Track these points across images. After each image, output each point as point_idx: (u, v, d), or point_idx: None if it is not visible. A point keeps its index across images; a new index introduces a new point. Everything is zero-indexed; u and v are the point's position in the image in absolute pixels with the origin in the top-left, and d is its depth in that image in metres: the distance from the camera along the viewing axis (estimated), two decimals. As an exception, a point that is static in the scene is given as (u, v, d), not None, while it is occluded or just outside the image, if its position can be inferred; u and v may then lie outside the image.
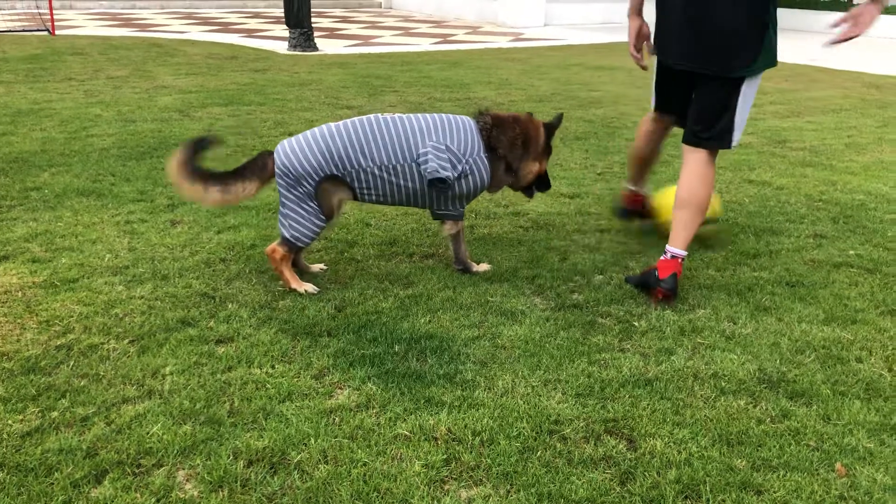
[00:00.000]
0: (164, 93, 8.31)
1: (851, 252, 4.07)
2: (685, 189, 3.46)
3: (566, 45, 14.21)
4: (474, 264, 3.75)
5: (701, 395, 2.71)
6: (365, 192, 3.44)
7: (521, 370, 2.85)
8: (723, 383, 2.79)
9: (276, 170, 3.34)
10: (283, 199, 3.37)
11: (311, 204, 3.35)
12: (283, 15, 12.78)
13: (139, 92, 8.34)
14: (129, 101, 7.90)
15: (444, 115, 3.53)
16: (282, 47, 12.60)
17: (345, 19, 18.47)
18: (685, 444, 2.43)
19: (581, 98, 8.60)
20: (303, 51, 12.38)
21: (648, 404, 2.65)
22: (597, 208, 4.73)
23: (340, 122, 3.43)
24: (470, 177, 3.45)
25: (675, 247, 3.44)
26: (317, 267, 3.75)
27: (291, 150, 3.34)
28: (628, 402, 2.66)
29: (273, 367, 2.82)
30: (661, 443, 2.43)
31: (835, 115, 7.93)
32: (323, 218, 3.40)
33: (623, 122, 7.26)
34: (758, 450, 2.41)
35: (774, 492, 2.22)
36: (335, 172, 3.34)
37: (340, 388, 2.70)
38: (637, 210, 4.25)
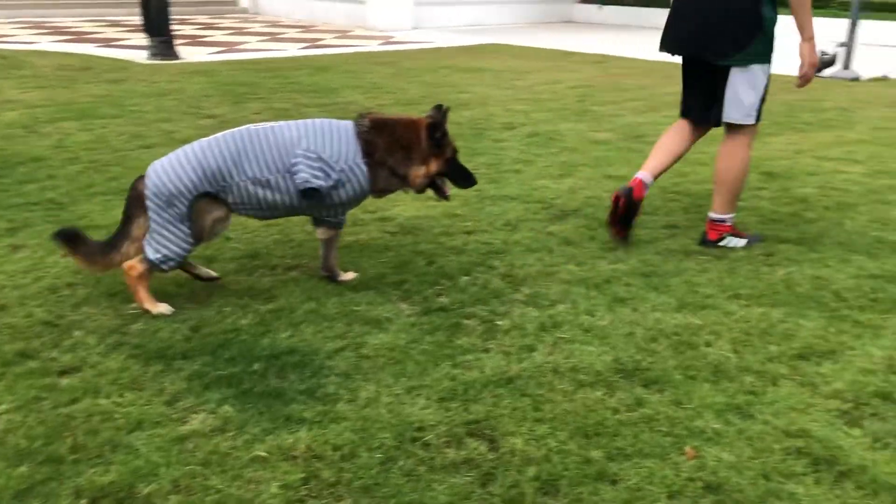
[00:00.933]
0: (7, 108, 7.79)
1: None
2: (715, 165, 4.24)
3: (436, 48, 14.30)
4: (341, 273, 3.68)
5: (560, 390, 2.77)
6: (241, 207, 3.35)
7: (385, 379, 2.82)
8: (581, 376, 2.86)
9: (147, 191, 3.19)
10: (153, 220, 3.20)
11: (183, 226, 3.21)
12: (141, 23, 12.26)
13: (-20, 108, 7.79)
14: (-32, 117, 7.35)
15: (320, 120, 3.44)
16: (141, 56, 12.07)
17: (209, 26, 17.92)
18: (544, 439, 2.47)
19: (450, 100, 8.66)
20: (164, 59, 11.91)
21: (510, 403, 2.67)
22: (463, 210, 4.76)
23: (211, 137, 3.32)
24: (348, 185, 3.36)
25: (715, 212, 4.17)
26: (207, 271, 3.68)
27: (163, 170, 3.21)
28: (490, 402, 2.68)
29: (122, 395, 2.67)
30: (521, 441, 2.46)
31: (688, 108, 8.31)
32: (192, 241, 3.27)
33: (490, 124, 7.36)
34: (613, 440, 2.48)
35: (629, 480, 2.29)
36: (209, 189, 3.23)
37: (195, 413, 2.59)
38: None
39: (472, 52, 13.56)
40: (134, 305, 3.34)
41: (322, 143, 3.34)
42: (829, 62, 10.78)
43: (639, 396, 2.72)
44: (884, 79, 10.68)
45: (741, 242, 4.19)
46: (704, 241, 4.19)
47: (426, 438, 2.47)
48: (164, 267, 3.28)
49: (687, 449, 2.43)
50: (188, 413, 2.59)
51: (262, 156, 3.27)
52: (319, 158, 3.30)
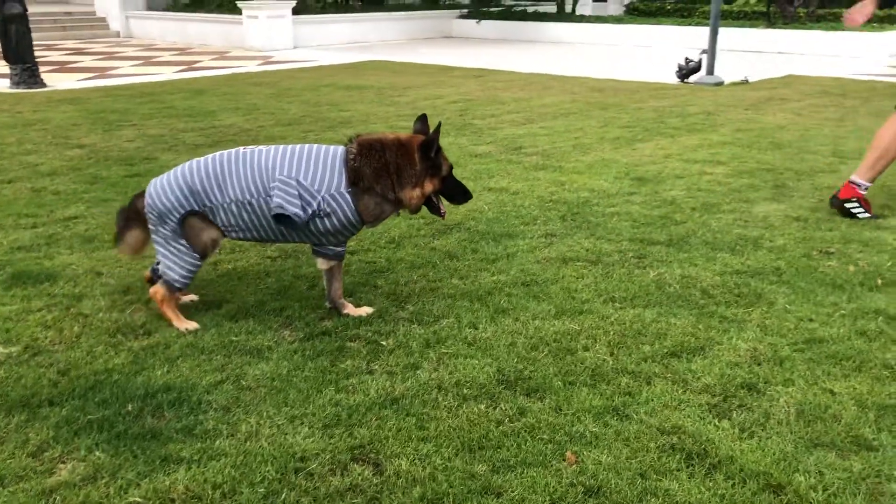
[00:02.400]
0: None
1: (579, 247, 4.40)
2: (877, 134, 4.83)
3: (316, 67, 14.21)
4: (348, 305, 3.56)
5: (445, 406, 2.78)
6: (229, 229, 3.34)
7: (266, 410, 2.76)
8: (465, 390, 2.88)
9: (145, 208, 3.32)
10: (154, 238, 3.35)
11: (180, 242, 3.30)
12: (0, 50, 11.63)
13: None
14: None
15: (309, 146, 3.35)
16: (3, 85, 11.46)
17: (78, 51, 17.19)
18: (430, 458, 2.47)
19: (331, 119, 8.62)
20: (28, 88, 11.35)
21: (395, 424, 2.66)
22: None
23: (204, 157, 3.36)
24: (332, 215, 3.25)
25: (857, 175, 4.80)
26: (187, 297, 3.67)
27: (155, 188, 3.31)
28: (375, 425, 2.66)
29: (-19, 451, 2.51)
30: (406, 462, 2.45)
31: (564, 119, 8.58)
32: (196, 256, 3.34)
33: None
34: (497, 451, 2.51)
35: (512, 491, 2.32)
36: (195, 208, 3.27)
37: (63, 463, 2.46)
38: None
39: (354, 70, 13.55)
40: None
41: (305, 169, 3.25)
42: (695, 69, 11.35)
43: (521, 406, 2.77)
44: (744, 82, 11.33)
45: (864, 214, 4.73)
46: (833, 199, 4.83)
47: (310, 468, 2.43)
48: (177, 284, 3.35)
49: (567, 454, 2.49)
50: (55, 463, 2.45)
51: (245, 178, 3.26)
52: (299, 185, 3.22)
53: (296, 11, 17.91)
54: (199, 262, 3.38)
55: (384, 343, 3.27)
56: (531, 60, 14.55)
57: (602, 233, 4.62)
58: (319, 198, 3.26)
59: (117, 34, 20.96)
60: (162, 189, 3.30)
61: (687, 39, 16.36)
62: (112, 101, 10.05)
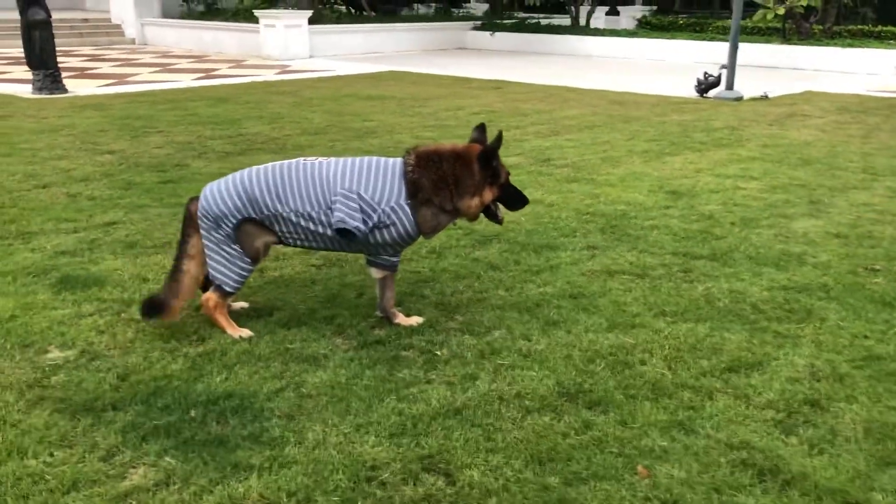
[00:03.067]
0: None
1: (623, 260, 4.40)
2: None
3: (335, 76, 14.26)
4: (399, 314, 3.55)
5: (509, 417, 2.78)
6: (288, 236, 3.38)
7: (330, 418, 2.76)
8: (527, 402, 2.88)
9: (199, 212, 3.32)
10: (206, 243, 3.33)
11: (233, 247, 3.31)
12: (23, 54, 11.68)
13: None
14: None
15: (368, 158, 3.38)
16: (26, 91, 11.51)
17: (95, 58, 17.27)
18: (501, 469, 2.47)
19: (356, 129, 8.65)
20: (50, 93, 11.39)
21: (461, 434, 2.66)
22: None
23: (263, 166, 3.40)
24: (391, 227, 3.27)
25: None
26: (237, 304, 3.67)
27: (212, 192, 3.32)
28: (441, 435, 2.66)
29: (52, 454, 2.51)
30: (477, 472, 2.45)
31: (589, 131, 8.59)
32: (248, 261, 3.36)
33: (400, 152, 7.35)
34: (567, 464, 2.50)
35: (588, 504, 2.31)
36: (253, 216, 3.30)
37: (134, 468, 2.46)
38: None
39: (372, 80, 13.59)
40: (51, 356, 3.16)
41: (366, 182, 3.28)
42: (714, 83, 11.38)
43: (586, 419, 2.76)
44: (764, 98, 11.35)
45: None
46: None
47: (382, 477, 2.43)
48: (228, 288, 3.35)
49: (639, 468, 2.48)
50: (127, 468, 2.45)
51: (307, 190, 3.29)
52: (360, 198, 3.25)
53: (311, 21, 17.99)
54: (250, 267, 3.39)
55: (439, 353, 3.26)
56: (547, 73, 14.58)
57: (644, 246, 4.62)
58: (380, 210, 3.27)
59: (132, 41, 21.06)
60: (219, 193, 3.32)
61: (701, 54, 16.41)
62: (135, 107, 10.09)
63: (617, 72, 15.25)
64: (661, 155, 7.30)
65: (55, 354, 3.19)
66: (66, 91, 11.58)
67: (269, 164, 3.42)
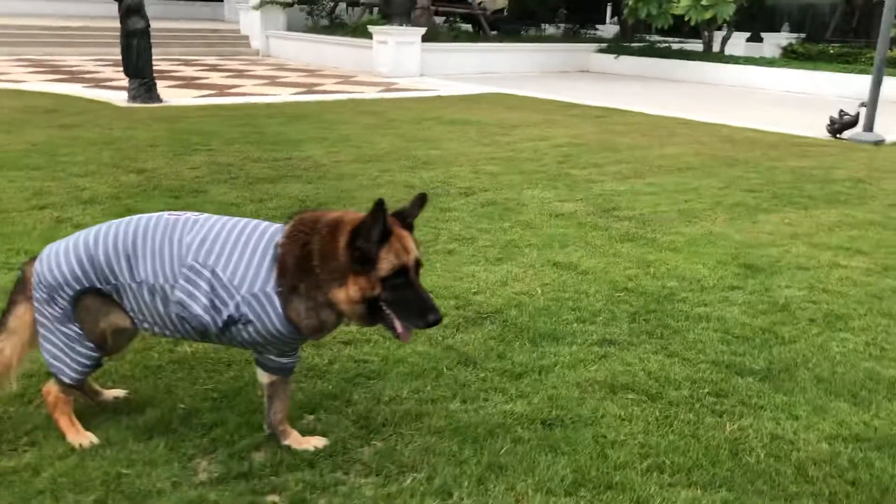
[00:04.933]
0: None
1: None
2: None
3: (433, 97, 13.55)
4: (294, 433, 2.67)
5: None
6: (138, 317, 2.54)
7: None
8: None
9: (33, 280, 2.56)
10: (39, 318, 2.57)
11: (71, 326, 2.51)
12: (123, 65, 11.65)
13: None
14: None
15: (248, 221, 2.54)
16: (120, 98, 11.47)
17: (214, 67, 17.42)
18: None
19: (415, 158, 7.83)
20: (143, 102, 11.28)
21: None
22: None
23: (116, 221, 2.58)
24: (255, 323, 2.41)
25: None
26: (112, 393, 2.93)
27: (48, 255, 2.55)
28: None
29: None
30: None
31: (679, 175, 7.37)
32: (90, 346, 2.56)
33: (446, 188, 6.47)
34: None
35: None
36: (96, 285, 2.50)
37: None
38: None
39: (469, 103, 12.78)
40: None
41: (227, 256, 2.42)
42: (851, 123, 9.78)
43: None
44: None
45: None
46: None
47: None
48: (66, 379, 2.57)
49: None
50: None
51: (160, 255, 2.46)
52: (214, 277, 2.40)
53: (426, 39, 17.43)
54: (94, 354, 2.58)
55: (313, 505, 2.33)
56: (665, 101, 13.25)
57: (678, 346, 3.50)
58: (238, 298, 2.39)
59: (257, 52, 21.30)
60: (56, 257, 2.54)
61: (847, 88, 14.53)
62: (207, 121, 9.72)
63: (742, 104, 13.70)
64: (753, 211, 6.02)
65: None
66: (158, 101, 11.44)
67: (127, 219, 2.61)
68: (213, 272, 2.40)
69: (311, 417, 2.85)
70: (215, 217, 2.58)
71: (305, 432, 2.72)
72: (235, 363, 3.23)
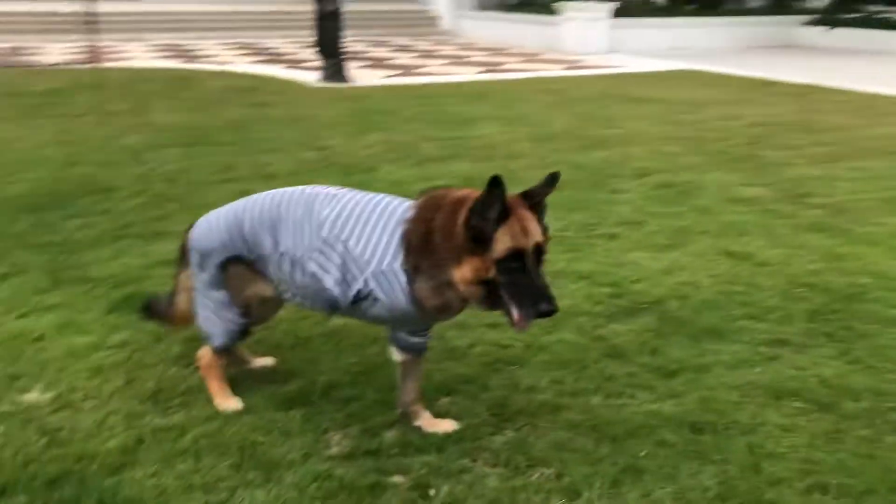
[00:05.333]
0: (141, 130, 7.80)
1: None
2: None
3: (618, 74, 13.08)
4: (425, 415, 2.63)
5: None
6: (281, 287, 2.61)
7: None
8: None
9: (190, 244, 2.71)
10: (195, 283, 2.71)
11: (220, 292, 2.64)
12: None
13: (115, 130, 7.87)
14: (94, 140, 7.43)
15: (379, 197, 2.51)
16: (314, 79, 12.03)
17: (404, 48, 17.86)
18: None
19: (589, 138, 7.57)
20: (332, 82, 11.77)
21: None
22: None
23: (262, 194, 2.67)
24: (384, 298, 2.36)
25: None
26: (261, 361, 3.06)
27: (203, 224, 2.71)
28: None
29: None
30: None
31: (889, 159, 6.59)
32: (237, 311, 2.65)
33: (619, 170, 6.20)
34: None
35: None
36: (241, 254, 2.59)
37: None
38: None
39: (657, 80, 12.21)
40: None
41: (360, 230, 2.40)
42: None
43: None
44: None
45: None
46: None
47: None
48: (215, 343, 2.71)
49: None
50: None
51: (300, 229, 2.49)
52: (345, 251, 2.39)
53: (620, 13, 16.84)
54: (241, 321, 2.68)
55: (432, 493, 2.27)
56: (882, 79, 11.92)
57: (862, 352, 3.10)
58: (368, 273, 2.36)
59: (447, 32, 21.60)
60: (208, 224, 2.67)
61: None
62: (390, 101, 9.96)
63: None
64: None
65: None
66: (346, 81, 11.88)
67: (271, 192, 2.67)
68: (345, 247, 2.39)
69: (446, 400, 2.79)
70: (353, 192, 2.57)
71: (438, 415, 2.67)
72: (381, 339, 3.21)
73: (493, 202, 2.18)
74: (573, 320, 3.40)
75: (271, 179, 5.92)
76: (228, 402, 2.73)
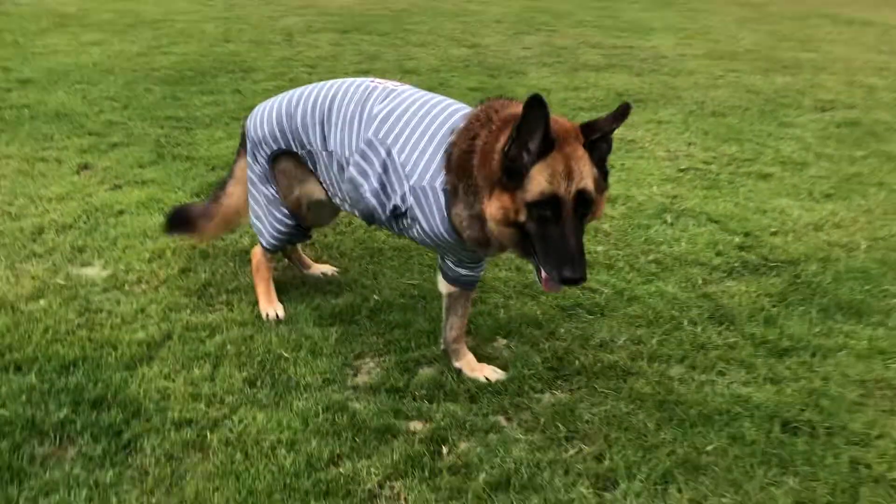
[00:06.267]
0: (303, 13, 7.76)
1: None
2: None
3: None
4: (468, 357, 2.30)
5: None
6: (330, 190, 2.33)
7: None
8: None
9: (245, 133, 2.49)
10: (248, 176, 2.47)
11: (270, 188, 2.41)
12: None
13: (278, 10, 7.86)
14: (254, 19, 7.46)
15: (440, 99, 2.16)
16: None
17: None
18: None
19: (777, 59, 6.64)
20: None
21: None
22: (610, 224, 3.29)
23: (321, 84, 2.38)
24: (420, 219, 2.04)
25: None
26: (321, 268, 2.84)
27: (257, 110, 2.44)
28: None
29: None
30: None
31: None
32: (285, 212, 2.41)
33: (799, 99, 5.36)
34: None
35: None
36: (292, 148, 2.32)
37: None
38: None
39: (883, 1, 10.58)
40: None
41: (407, 136, 2.07)
42: None
43: None
44: None
45: None
46: None
47: None
48: (263, 241, 2.50)
49: None
50: None
51: (349, 126, 2.19)
52: (388, 157, 2.07)
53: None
54: (289, 222, 2.43)
55: (444, 451, 1.98)
56: None
57: None
58: (407, 187, 2.02)
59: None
60: (262, 113, 2.39)
61: None
62: (563, 1, 9.28)
63: None
64: None
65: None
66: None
67: (328, 83, 2.35)
68: (388, 152, 2.06)
69: (502, 342, 2.46)
70: (414, 90, 2.22)
71: (486, 358, 2.34)
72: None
73: (533, 129, 1.74)
74: (683, 270, 2.91)
75: (409, 74, 5.66)
76: (269, 308, 2.54)
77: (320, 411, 2.09)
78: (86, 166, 3.70)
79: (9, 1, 8.06)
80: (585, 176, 1.77)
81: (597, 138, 1.81)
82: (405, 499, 1.81)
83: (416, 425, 2.07)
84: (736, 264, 2.98)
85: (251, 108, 2.55)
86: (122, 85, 5.08)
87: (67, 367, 2.21)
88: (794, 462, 1.96)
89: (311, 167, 2.33)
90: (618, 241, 3.14)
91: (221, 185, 2.68)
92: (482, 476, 1.88)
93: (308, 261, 2.84)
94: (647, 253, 3.04)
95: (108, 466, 1.87)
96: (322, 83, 2.38)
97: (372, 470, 1.89)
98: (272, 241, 2.49)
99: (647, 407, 2.15)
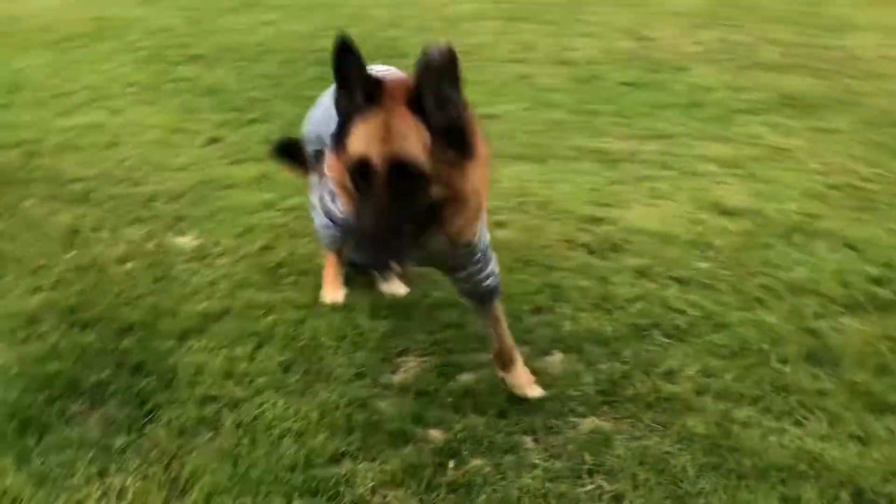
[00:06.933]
0: (465, 2, 7.72)
1: None
2: None
3: None
4: (519, 367, 2.11)
5: None
6: None
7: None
8: None
9: None
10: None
11: (324, 189, 2.32)
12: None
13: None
14: (427, 4, 7.53)
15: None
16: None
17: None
18: None
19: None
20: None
21: None
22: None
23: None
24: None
25: None
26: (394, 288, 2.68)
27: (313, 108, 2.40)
28: None
29: None
30: None
31: None
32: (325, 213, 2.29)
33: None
34: None
35: None
36: (322, 149, 2.20)
37: None
38: None
39: None
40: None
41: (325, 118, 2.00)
42: None
43: None
44: None
45: None
46: None
47: None
48: (323, 241, 2.46)
49: None
50: None
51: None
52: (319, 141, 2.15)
53: None
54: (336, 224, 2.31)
55: (451, 466, 1.85)
56: None
57: None
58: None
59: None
60: (310, 112, 2.36)
61: None
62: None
63: None
64: None
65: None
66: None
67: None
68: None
69: (559, 357, 2.27)
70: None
71: (536, 373, 2.17)
72: (517, 267, 2.73)
73: (347, 76, 1.50)
74: (794, 299, 2.56)
75: (562, 65, 5.47)
76: (329, 294, 2.52)
77: (341, 405, 2.04)
78: (215, 140, 3.88)
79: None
80: (405, 139, 1.47)
81: (421, 94, 1.49)
82: (391, 511, 1.72)
83: (433, 434, 1.96)
84: (861, 299, 2.57)
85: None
86: (278, 64, 5.29)
87: (125, 330, 2.31)
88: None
89: None
90: (727, 260, 2.82)
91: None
92: (481, 499, 1.74)
93: None
94: (757, 275, 2.70)
95: (124, 433, 1.92)
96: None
97: (369, 474, 1.81)
98: (324, 240, 2.43)
99: (693, 449, 1.90)
